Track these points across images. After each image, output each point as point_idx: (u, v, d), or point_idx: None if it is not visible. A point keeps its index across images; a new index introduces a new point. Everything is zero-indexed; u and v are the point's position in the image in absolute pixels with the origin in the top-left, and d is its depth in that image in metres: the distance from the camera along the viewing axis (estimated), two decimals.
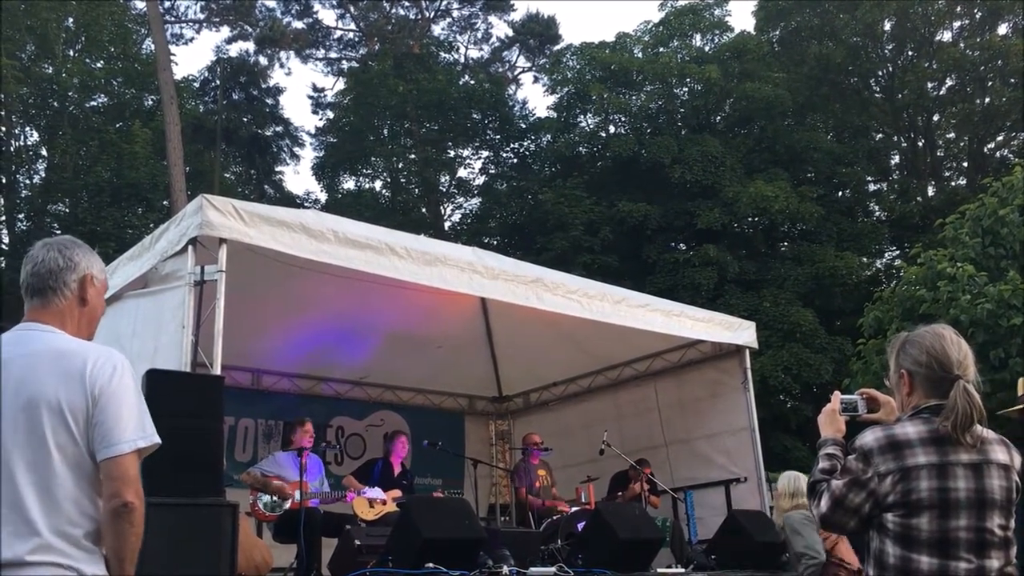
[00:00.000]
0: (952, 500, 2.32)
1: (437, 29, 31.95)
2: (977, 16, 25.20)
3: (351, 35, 32.35)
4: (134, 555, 2.23)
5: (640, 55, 26.40)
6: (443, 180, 29.21)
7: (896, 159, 27.78)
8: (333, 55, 32.55)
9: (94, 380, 2.24)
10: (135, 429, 2.26)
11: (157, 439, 2.32)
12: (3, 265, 21.89)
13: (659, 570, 7.20)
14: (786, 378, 19.53)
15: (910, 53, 26.12)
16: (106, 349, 2.35)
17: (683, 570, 7.42)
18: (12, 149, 22.93)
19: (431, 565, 5.62)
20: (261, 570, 5.36)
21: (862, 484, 2.39)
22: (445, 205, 29.74)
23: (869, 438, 2.43)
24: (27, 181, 23.75)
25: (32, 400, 2.21)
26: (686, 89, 25.72)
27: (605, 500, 8.78)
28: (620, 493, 9.00)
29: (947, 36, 25.80)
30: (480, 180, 29.21)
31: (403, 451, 8.18)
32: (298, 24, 31.18)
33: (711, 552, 7.85)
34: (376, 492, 7.60)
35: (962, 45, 25.00)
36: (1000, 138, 26.04)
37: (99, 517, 2.22)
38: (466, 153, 29.37)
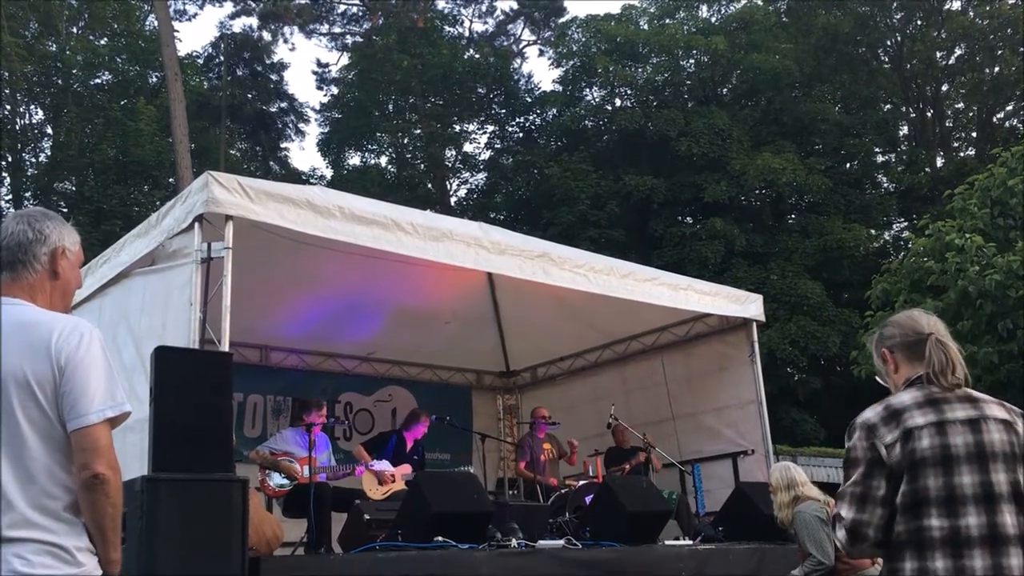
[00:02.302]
0: (953, 456, 2.34)
1: (441, 3, 31.76)
2: None
3: (355, 9, 32.18)
4: (115, 525, 2.22)
5: (646, 27, 26.22)
6: (449, 155, 29.16)
7: (904, 130, 27.63)
8: (337, 30, 32.40)
9: (59, 350, 2.21)
10: (103, 399, 2.23)
11: (128, 407, 2.29)
12: None
13: (666, 542, 7.24)
14: (793, 351, 19.54)
15: (919, 22, 25.89)
16: (73, 319, 2.33)
17: (690, 542, 7.46)
18: (17, 127, 22.94)
19: (440, 539, 5.67)
20: (272, 544, 5.41)
21: (876, 464, 2.38)
22: (451, 180, 29.72)
23: (869, 413, 2.46)
24: (33, 160, 23.80)
25: None
26: (692, 61, 25.55)
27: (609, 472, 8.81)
28: (622, 466, 9.05)
29: (956, 4, 25.61)
30: (486, 155, 29.18)
31: (420, 433, 8.22)
32: None
33: (718, 524, 7.89)
34: (384, 465, 7.63)
35: (971, 14, 24.78)
36: (1009, 108, 25.86)
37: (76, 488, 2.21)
38: (471, 128, 29.32)
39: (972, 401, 2.44)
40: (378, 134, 28.34)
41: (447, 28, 30.11)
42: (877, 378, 2.73)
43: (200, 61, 29.21)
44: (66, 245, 2.46)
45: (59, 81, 22.98)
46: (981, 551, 2.27)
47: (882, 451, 2.38)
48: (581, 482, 8.45)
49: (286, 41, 31.57)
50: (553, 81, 29.06)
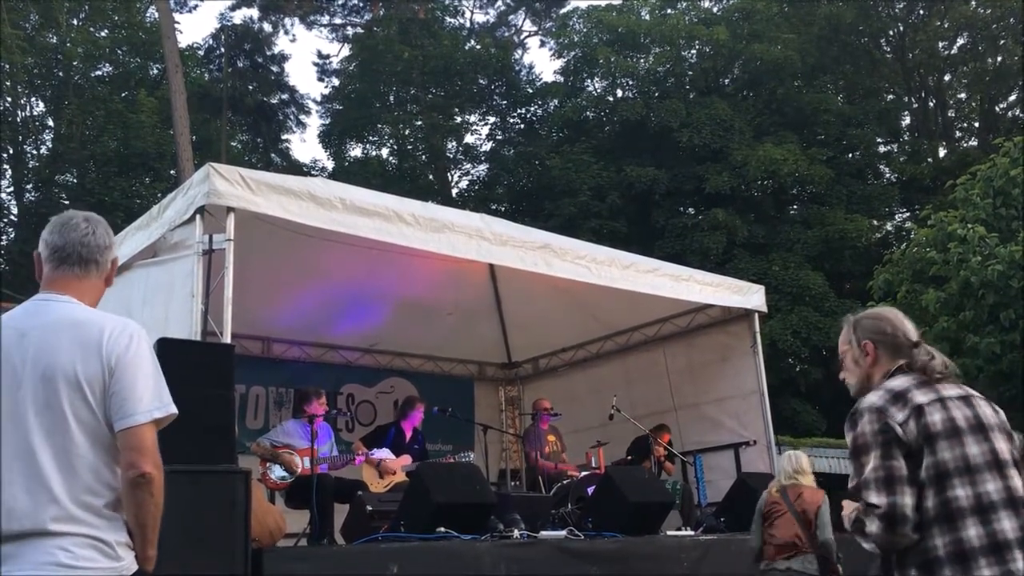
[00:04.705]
0: (960, 428, 2.41)
1: None
2: None
3: (356, 0, 32.07)
4: (156, 523, 2.26)
5: (647, 17, 26.15)
6: (450, 146, 29.10)
7: (907, 120, 27.54)
8: (338, 21, 32.30)
9: (111, 350, 2.26)
10: (152, 399, 2.28)
11: (174, 409, 2.34)
12: (12, 236, 21.97)
13: (669, 533, 7.26)
14: (795, 342, 19.53)
15: (921, 12, 25.79)
16: (122, 319, 2.37)
17: (692, 533, 7.48)
18: (19, 120, 22.91)
19: (443, 530, 5.68)
20: (275, 536, 5.41)
21: (893, 443, 2.38)
22: (452, 172, 29.66)
23: (872, 398, 2.48)
24: (34, 152, 23.77)
25: (49, 371, 2.23)
26: (694, 51, 25.47)
27: (619, 462, 8.80)
28: (631, 458, 9.04)
29: None
30: (487, 146, 29.11)
31: (417, 420, 8.22)
32: None
33: (720, 514, 7.91)
34: (385, 453, 7.64)
35: (973, 3, 24.67)
36: (1012, 97, 25.78)
37: (119, 486, 2.25)
38: (473, 119, 29.24)
39: (957, 383, 2.55)
40: (379, 125, 28.29)
41: (448, 19, 30.04)
42: (845, 375, 2.74)
43: (201, 53, 29.16)
44: (117, 256, 2.59)
45: (60, 73, 22.94)
46: (1006, 513, 2.33)
47: (897, 430, 2.39)
48: (583, 473, 8.46)
49: (287, 32, 31.47)
50: (554, 72, 29.02)
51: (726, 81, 26.04)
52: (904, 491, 2.34)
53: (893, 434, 2.39)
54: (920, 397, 2.45)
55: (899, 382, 2.51)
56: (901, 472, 2.35)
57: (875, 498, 2.34)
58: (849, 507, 2.55)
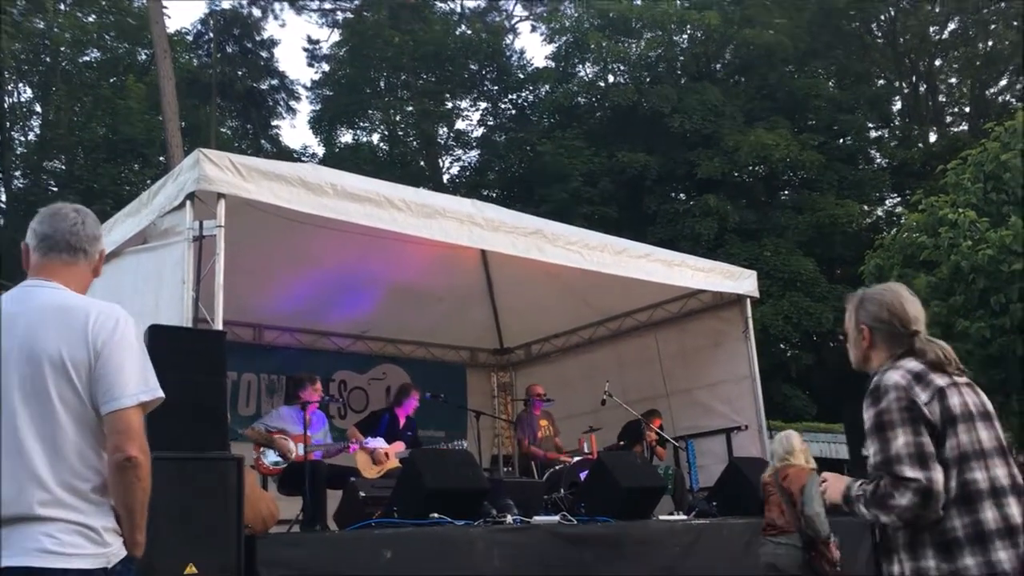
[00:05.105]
0: (972, 413, 2.47)
1: None
2: None
3: None
4: (143, 507, 2.26)
5: (639, 2, 26.06)
6: (441, 132, 29.01)
7: (898, 105, 27.59)
8: (328, 6, 32.04)
9: (96, 334, 2.26)
10: (138, 383, 2.28)
11: (160, 393, 2.34)
12: (1, 224, 21.82)
13: (661, 517, 7.28)
14: (786, 327, 19.60)
15: None
16: (107, 304, 2.37)
17: (685, 517, 7.50)
18: (6, 106, 22.74)
19: (436, 515, 5.68)
20: (267, 522, 5.40)
21: (921, 421, 2.40)
22: (443, 158, 29.58)
23: (895, 376, 2.48)
24: (22, 138, 23.62)
25: (35, 355, 2.23)
26: (686, 36, 25.43)
27: (611, 447, 8.82)
28: (623, 443, 9.06)
29: None
30: (478, 132, 29.04)
31: (412, 408, 8.21)
32: None
33: (712, 499, 7.94)
34: (378, 442, 7.63)
35: None
36: (1003, 82, 25.81)
37: (105, 470, 2.25)
38: (464, 105, 29.16)
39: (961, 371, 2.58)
40: (370, 111, 28.19)
41: (439, 4, 29.88)
42: (848, 346, 2.74)
43: (190, 38, 28.98)
44: (104, 248, 2.61)
45: (47, 59, 22.78)
46: (1013, 499, 2.39)
47: (924, 409, 2.41)
48: (576, 458, 8.47)
49: (276, 17, 31.28)
50: (546, 57, 28.91)
51: (718, 66, 26.01)
52: (937, 468, 2.35)
53: (919, 412, 2.41)
54: (937, 380, 2.48)
55: (914, 364, 2.52)
56: (931, 449, 2.37)
57: (911, 472, 2.33)
58: (838, 481, 2.56)
